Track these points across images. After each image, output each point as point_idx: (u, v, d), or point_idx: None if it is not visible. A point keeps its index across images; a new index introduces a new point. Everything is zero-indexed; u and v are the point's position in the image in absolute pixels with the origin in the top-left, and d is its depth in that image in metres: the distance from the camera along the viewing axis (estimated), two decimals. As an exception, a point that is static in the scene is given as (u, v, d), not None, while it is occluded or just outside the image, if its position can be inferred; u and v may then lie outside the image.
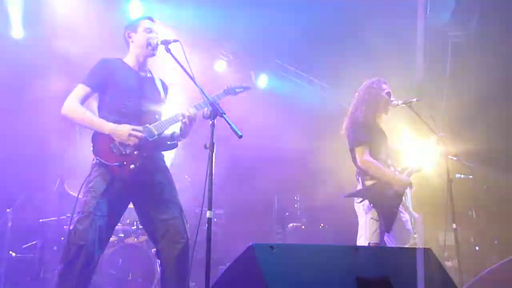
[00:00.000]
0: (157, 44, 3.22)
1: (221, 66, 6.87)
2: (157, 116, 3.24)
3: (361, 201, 3.69)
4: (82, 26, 5.28)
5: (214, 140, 2.67)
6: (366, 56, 6.16)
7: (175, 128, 3.26)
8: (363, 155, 3.66)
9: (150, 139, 3.08)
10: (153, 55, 3.31)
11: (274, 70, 7.27)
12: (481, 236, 6.05)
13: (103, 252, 3.03)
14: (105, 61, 3.23)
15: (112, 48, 3.72)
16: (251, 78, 7.03)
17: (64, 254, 2.90)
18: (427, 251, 2.61)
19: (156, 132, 3.12)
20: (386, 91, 3.90)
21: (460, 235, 4.04)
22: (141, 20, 3.34)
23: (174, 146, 3.25)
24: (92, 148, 3.02)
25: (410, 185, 3.72)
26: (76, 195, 5.03)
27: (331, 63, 6.75)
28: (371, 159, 3.65)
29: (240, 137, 2.66)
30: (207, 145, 2.66)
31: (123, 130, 3.00)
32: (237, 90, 3.47)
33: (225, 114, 2.71)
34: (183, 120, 3.13)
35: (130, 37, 3.31)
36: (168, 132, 3.25)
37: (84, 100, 3.11)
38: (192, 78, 2.96)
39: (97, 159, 3.00)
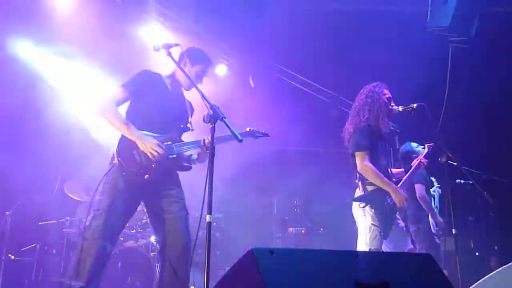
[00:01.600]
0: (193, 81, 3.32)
1: (221, 69, 6.88)
2: (180, 136, 3.37)
3: (364, 206, 3.68)
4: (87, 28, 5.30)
5: (214, 144, 2.67)
6: (366, 59, 6.17)
7: (193, 152, 3.39)
8: (362, 161, 3.67)
9: (169, 157, 3.19)
10: (188, 90, 3.48)
11: (275, 74, 7.28)
12: (481, 242, 6.04)
13: (113, 248, 3.22)
14: (147, 73, 3.37)
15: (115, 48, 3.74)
16: (250, 83, 7.05)
17: (79, 247, 3.06)
18: (426, 257, 2.60)
19: (176, 151, 3.24)
20: (387, 96, 3.90)
21: (460, 240, 4.03)
22: (206, 63, 3.45)
23: (188, 168, 3.39)
24: (116, 149, 3.13)
25: (405, 199, 3.71)
26: (75, 198, 5.11)
27: (331, 67, 6.76)
28: (370, 165, 3.66)
29: (240, 141, 2.67)
30: (207, 149, 2.67)
31: (149, 142, 3.12)
32: (257, 134, 3.66)
33: (225, 118, 2.73)
34: (202, 146, 3.26)
35: (185, 64, 3.38)
36: (186, 154, 3.37)
37: (120, 103, 3.25)
38: (192, 82, 2.99)
39: (118, 159, 3.10)
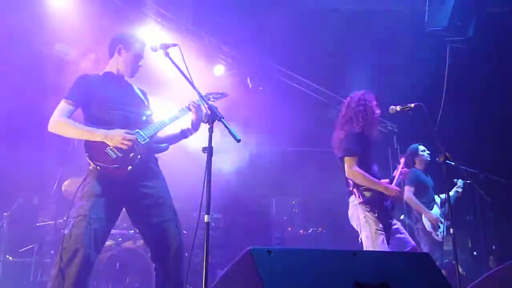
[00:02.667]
0: (138, 68, 3.37)
1: (219, 70, 6.88)
2: (144, 119, 3.32)
3: (369, 210, 3.66)
4: (81, 30, 5.30)
5: (212, 144, 2.67)
6: (365, 60, 6.18)
7: (187, 124, 3.36)
8: (351, 166, 3.68)
9: (142, 142, 3.15)
10: (131, 77, 3.44)
11: (273, 74, 7.28)
12: (479, 242, 6.05)
13: (98, 255, 3.04)
14: (85, 77, 3.31)
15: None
16: (248, 84, 7.06)
17: (59, 258, 2.91)
18: (425, 256, 2.61)
19: (147, 136, 3.19)
20: (375, 103, 3.94)
21: (458, 240, 4.04)
22: (139, 43, 3.38)
23: (165, 149, 3.36)
24: (87, 155, 3.06)
25: (398, 191, 3.71)
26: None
27: (330, 67, 6.77)
28: (358, 169, 3.67)
29: (239, 141, 2.66)
30: (205, 150, 2.66)
31: (115, 135, 3.06)
32: (216, 96, 3.56)
33: (223, 118, 2.72)
34: (193, 112, 3.28)
35: (120, 52, 3.35)
36: (175, 130, 3.35)
37: (69, 115, 3.16)
38: (190, 83, 2.98)
39: (95, 163, 3.03)
